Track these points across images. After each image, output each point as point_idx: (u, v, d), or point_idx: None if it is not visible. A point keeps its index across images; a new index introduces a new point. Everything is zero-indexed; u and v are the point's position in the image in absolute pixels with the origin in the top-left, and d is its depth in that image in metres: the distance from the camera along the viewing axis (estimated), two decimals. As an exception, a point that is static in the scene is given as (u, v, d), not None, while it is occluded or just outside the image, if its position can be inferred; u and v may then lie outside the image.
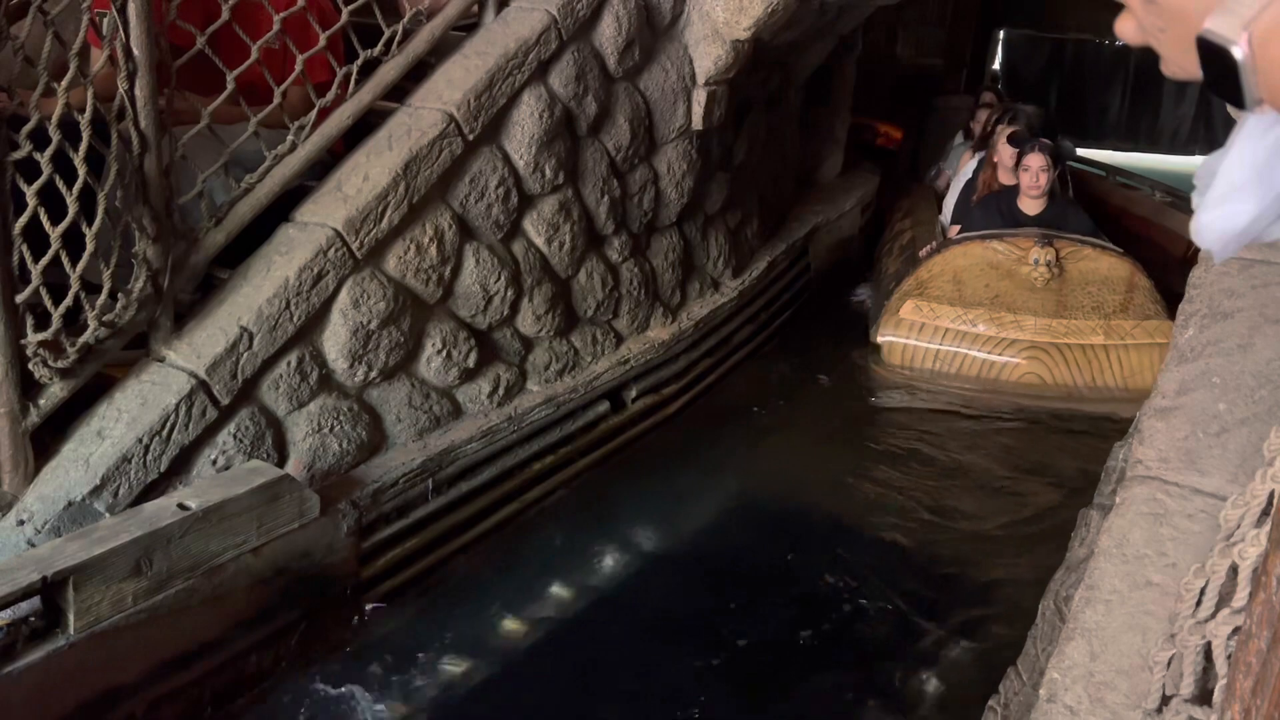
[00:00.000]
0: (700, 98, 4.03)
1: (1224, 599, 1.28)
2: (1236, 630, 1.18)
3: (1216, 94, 0.58)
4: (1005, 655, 2.31)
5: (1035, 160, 4.87)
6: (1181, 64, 0.60)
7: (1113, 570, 1.78)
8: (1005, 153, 5.19)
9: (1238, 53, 0.54)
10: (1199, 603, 1.34)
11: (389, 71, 3.04)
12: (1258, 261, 2.20)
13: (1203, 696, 1.30)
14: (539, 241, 3.49)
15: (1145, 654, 1.56)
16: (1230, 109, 0.66)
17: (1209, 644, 1.26)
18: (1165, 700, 1.37)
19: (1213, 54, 0.55)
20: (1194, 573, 1.37)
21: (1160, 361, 3.87)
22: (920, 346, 4.72)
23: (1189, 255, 5.28)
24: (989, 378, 4.61)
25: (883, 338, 4.81)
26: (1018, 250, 4.65)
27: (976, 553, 3.30)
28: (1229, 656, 1.19)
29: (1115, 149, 11.06)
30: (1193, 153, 11.33)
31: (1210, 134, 11.21)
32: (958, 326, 4.64)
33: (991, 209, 5.08)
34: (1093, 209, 5.66)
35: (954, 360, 4.66)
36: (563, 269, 3.61)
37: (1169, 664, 1.37)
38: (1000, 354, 4.59)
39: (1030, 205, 4.98)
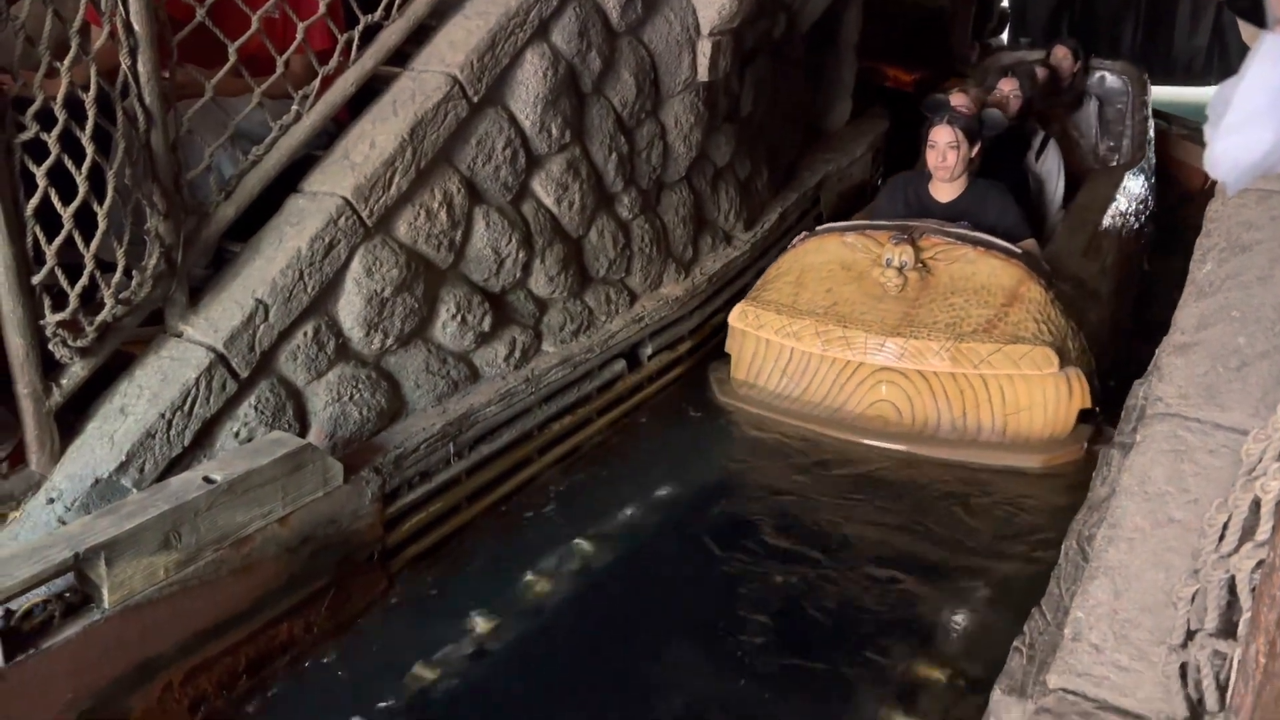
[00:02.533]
0: (705, 49, 3.98)
1: (1247, 533, 1.28)
2: (1260, 564, 1.19)
3: (1236, 12, 0.58)
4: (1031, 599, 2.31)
5: (941, 135, 3.94)
6: None
7: (1135, 508, 1.78)
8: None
9: None
10: (1222, 537, 1.34)
11: (390, 36, 3.01)
12: (1276, 193, 2.17)
13: (1227, 630, 1.30)
14: (548, 202, 3.47)
15: (1169, 590, 1.57)
16: (1244, 33, 0.65)
17: (1232, 578, 1.26)
18: (1190, 635, 1.38)
19: None
20: (1216, 508, 1.36)
21: (1054, 395, 3.41)
22: (760, 362, 3.87)
23: (1206, 188, 5.18)
24: (833, 405, 3.71)
25: (728, 347, 3.98)
26: (875, 248, 3.71)
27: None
28: (1253, 590, 1.19)
29: (1129, 83, 10.89)
30: (1208, 83, 11.14)
31: (1225, 64, 11.02)
32: (780, 339, 3.73)
33: (897, 194, 4.23)
34: None
35: (800, 379, 3.79)
36: (574, 228, 3.60)
37: (1193, 599, 1.38)
38: (846, 379, 3.68)
39: (940, 190, 4.07)
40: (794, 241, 4.04)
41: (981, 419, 3.52)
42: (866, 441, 3.57)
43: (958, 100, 4.38)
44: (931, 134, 3.98)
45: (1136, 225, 5.03)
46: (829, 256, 3.81)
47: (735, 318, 3.83)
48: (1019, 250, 3.68)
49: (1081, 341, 3.54)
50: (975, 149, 3.99)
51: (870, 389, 3.63)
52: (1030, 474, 3.40)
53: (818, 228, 4.11)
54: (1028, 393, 3.45)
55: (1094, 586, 1.69)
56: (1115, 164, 5.82)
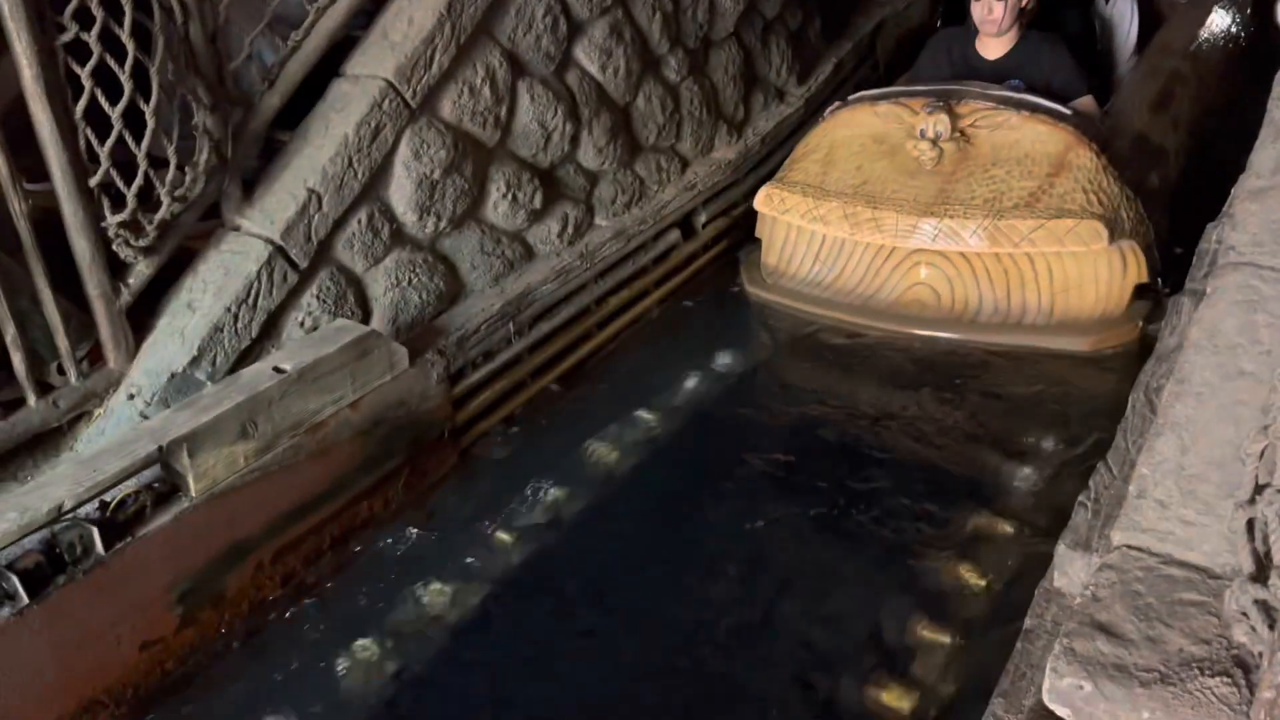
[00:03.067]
0: (749, -106, 3.78)
1: (1320, 387, 1.24)
2: (1333, 419, 1.16)
3: None
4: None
5: None
6: None
7: (1203, 362, 1.74)
8: None
9: None
10: (1294, 391, 1.31)
11: (421, -95, 2.91)
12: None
13: (1297, 485, 1.28)
14: (593, 69, 3.39)
15: (1237, 445, 1.54)
16: None
17: (1304, 433, 1.24)
18: (1258, 490, 1.37)
19: None
20: (1289, 362, 1.33)
21: (1106, 271, 3.10)
22: (791, 248, 3.59)
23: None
24: (868, 291, 3.45)
25: (758, 232, 3.71)
26: (909, 117, 3.37)
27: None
28: (1324, 445, 1.17)
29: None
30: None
31: None
32: (806, 224, 3.45)
33: (940, 53, 3.85)
34: None
35: (834, 264, 3.51)
36: (620, 96, 3.51)
37: (1261, 454, 1.36)
38: (882, 262, 3.41)
39: (988, 47, 3.68)
40: (826, 112, 3.74)
41: (1028, 299, 3.25)
42: (905, 329, 3.36)
43: None
44: None
45: (1222, 69, 4.58)
46: (860, 129, 3.48)
47: (760, 202, 3.55)
48: (1069, 111, 3.34)
49: (1139, 209, 3.21)
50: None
51: (908, 272, 3.36)
52: (1080, 357, 3.18)
53: (850, 97, 3.75)
54: (1077, 269, 3.17)
55: (1160, 442, 1.67)
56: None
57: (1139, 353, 2.83)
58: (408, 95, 2.79)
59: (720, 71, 4.01)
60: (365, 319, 2.80)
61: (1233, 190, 2.20)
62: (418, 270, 2.92)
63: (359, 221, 2.77)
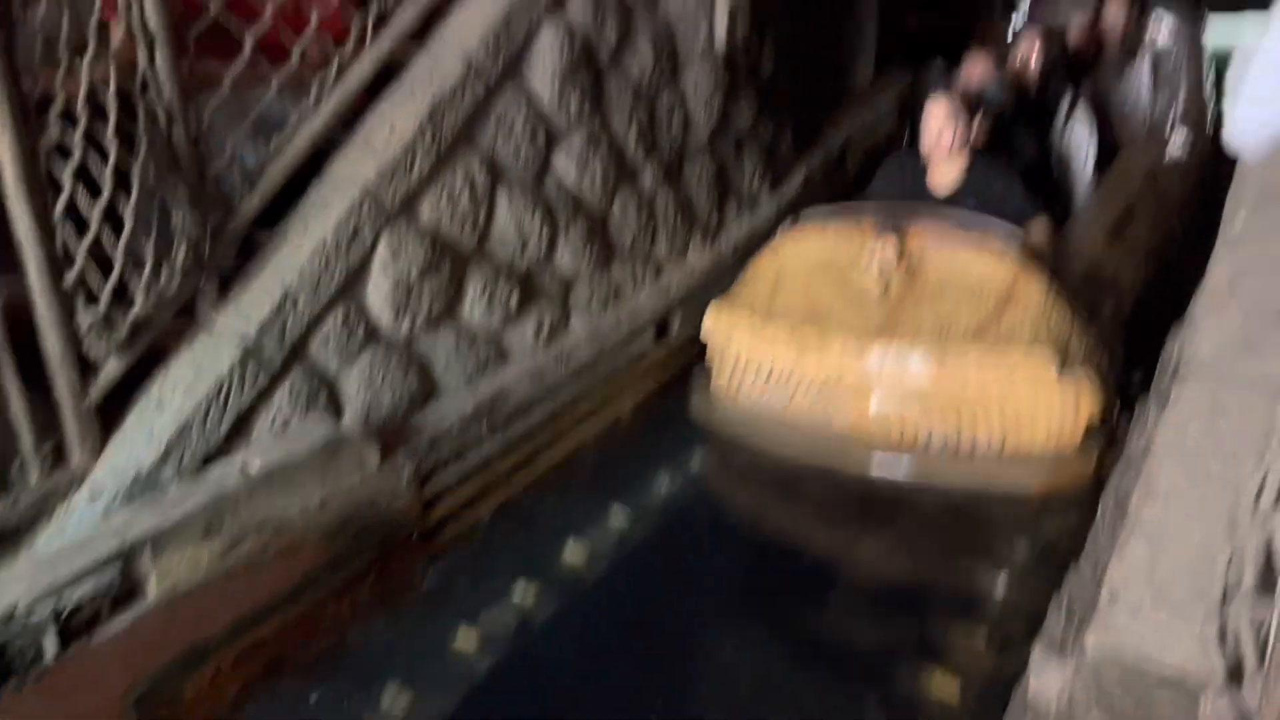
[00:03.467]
0: (722, 14, 3.94)
1: (1284, 490, 1.26)
2: (1297, 521, 1.17)
3: None
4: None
5: (935, 110, 3.48)
6: None
7: (1171, 465, 1.76)
8: None
9: None
10: (1259, 495, 1.32)
11: (405, 17, 3.00)
12: (1309, 138, 2.12)
13: (1266, 588, 1.29)
14: (570, 177, 3.47)
15: (1207, 548, 1.55)
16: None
17: (1270, 537, 1.25)
18: (1228, 594, 1.37)
19: None
20: (1253, 465, 1.35)
21: (1058, 404, 2.95)
22: (742, 370, 3.40)
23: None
24: (819, 419, 3.25)
25: (710, 352, 3.54)
26: (858, 241, 3.27)
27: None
28: (1290, 548, 1.18)
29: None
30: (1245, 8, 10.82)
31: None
32: (753, 346, 3.32)
33: (893, 176, 3.76)
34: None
35: (784, 388, 3.31)
36: (596, 202, 3.59)
37: (1231, 558, 1.36)
38: (832, 388, 3.21)
39: (939, 171, 3.58)
40: (780, 231, 3.63)
41: (978, 432, 3.09)
42: (854, 461, 3.17)
43: (974, 66, 4.00)
44: (925, 108, 3.53)
45: (1181, 196, 4.57)
46: (810, 251, 3.39)
47: (708, 322, 3.44)
48: (1019, 236, 3.25)
49: (1091, 340, 3.12)
50: (976, 123, 3.53)
51: (857, 401, 3.18)
52: (1031, 498, 3.04)
53: (802, 213, 3.68)
54: (1029, 402, 3.02)
55: (1131, 545, 1.67)
56: (1169, 125, 5.09)
57: (1094, 492, 2.69)
58: (387, 199, 2.84)
59: (694, 181, 4.11)
60: (337, 418, 2.79)
61: (1193, 299, 2.26)
62: (392, 370, 2.92)
63: (334, 320, 2.78)
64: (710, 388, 3.51)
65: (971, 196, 3.51)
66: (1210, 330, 1.92)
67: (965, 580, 2.81)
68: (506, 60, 3.14)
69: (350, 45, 2.87)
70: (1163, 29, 5.22)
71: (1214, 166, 4.92)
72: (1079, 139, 4.21)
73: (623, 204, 3.71)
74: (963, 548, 2.92)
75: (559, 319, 3.45)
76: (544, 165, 3.37)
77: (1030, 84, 4.24)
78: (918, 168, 3.64)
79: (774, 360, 3.29)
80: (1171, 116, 5.11)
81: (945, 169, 3.56)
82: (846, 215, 3.43)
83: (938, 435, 3.12)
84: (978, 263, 3.14)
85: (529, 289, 3.36)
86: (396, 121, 2.91)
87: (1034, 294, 3.07)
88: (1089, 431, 3.06)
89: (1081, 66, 4.80)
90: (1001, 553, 2.90)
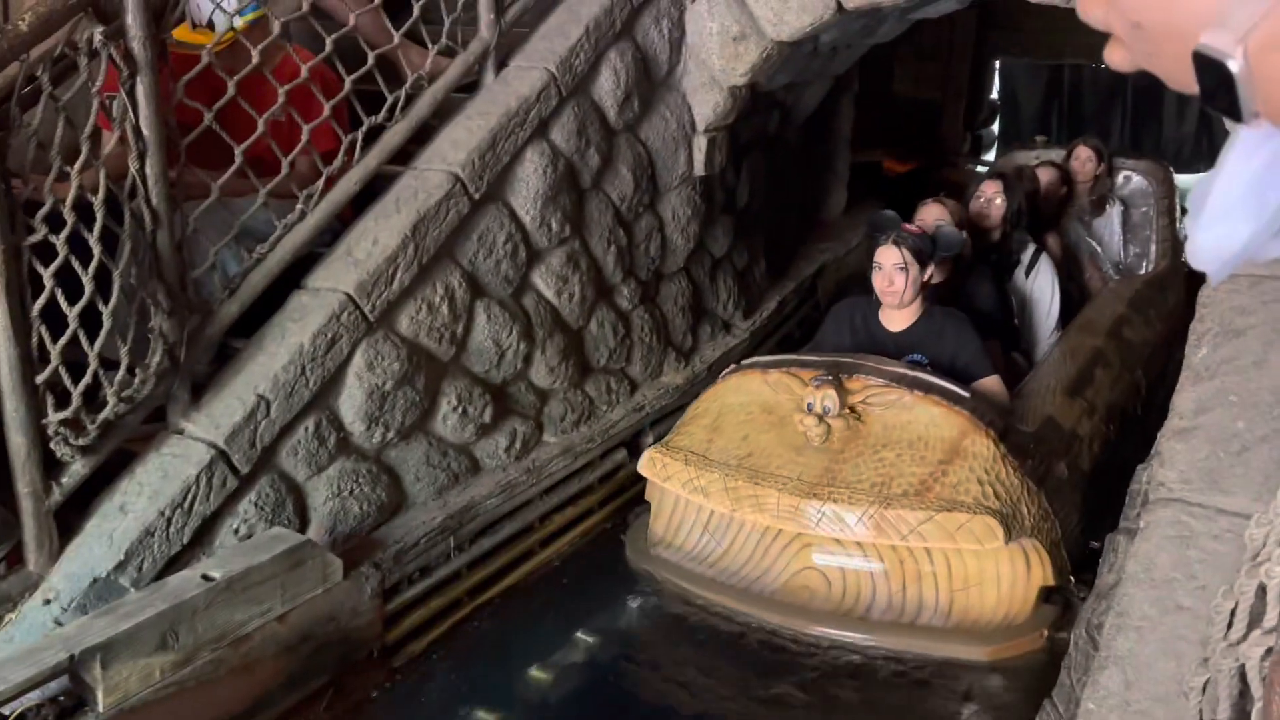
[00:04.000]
0: (701, 144, 4.08)
1: (1255, 620, 1.26)
2: (1269, 651, 1.17)
3: (1213, 109, 0.59)
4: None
5: (886, 257, 3.32)
6: (1179, 81, 0.61)
7: (1142, 596, 1.77)
8: None
9: (1234, 66, 0.55)
10: (1230, 625, 1.32)
11: (394, 136, 3.09)
12: (1266, 278, 2.20)
13: (1240, 719, 1.28)
14: (549, 294, 3.51)
15: (1180, 679, 1.54)
16: (1227, 123, 0.67)
17: (1243, 666, 1.25)
18: (1203, 726, 1.35)
19: (1209, 68, 0.56)
20: (1223, 594, 1.35)
21: (1008, 570, 2.82)
22: (680, 517, 3.25)
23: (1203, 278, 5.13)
24: (755, 573, 3.09)
25: (648, 495, 3.40)
26: (799, 388, 3.14)
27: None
28: (1263, 678, 1.18)
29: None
30: (1197, 169, 11.35)
31: (1213, 150, 11.21)
32: (687, 494, 3.14)
33: (843, 322, 3.61)
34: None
35: (722, 539, 3.16)
36: (574, 320, 3.63)
37: (1204, 689, 1.35)
38: (770, 541, 3.06)
39: (891, 319, 3.45)
40: (722, 375, 3.52)
41: (924, 595, 2.91)
42: (792, 620, 2.98)
43: (929, 212, 3.85)
44: (876, 255, 3.36)
45: (1148, 349, 4.39)
46: (750, 397, 3.25)
47: (644, 466, 3.27)
48: (968, 393, 3.10)
49: (1043, 504, 2.97)
50: (929, 271, 3.38)
51: (798, 554, 3.01)
52: (979, 667, 2.83)
53: (744, 361, 3.58)
54: (977, 566, 2.87)
55: (1104, 676, 1.66)
56: (1141, 274, 5.02)
57: (1047, 663, 2.61)
58: (366, 309, 2.86)
59: (670, 302, 4.18)
60: (303, 528, 2.74)
61: (1160, 431, 2.30)
62: (361, 480, 2.89)
63: (306, 429, 2.76)
64: (647, 530, 3.36)
65: (925, 346, 3.41)
66: (1177, 460, 1.95)
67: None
68: (491, 180, 3.22)
69: (339, 160, 2.94)
70: (1131, 183, 5.25)
71: (1188, 314, 4.67)
72: (1041, 288, 4.11)
73: (599, 321, 3.75)
74: (909, 717, 2.75)
75: (532, 433, 3.45)
76: (524, 281, 3.42)
77: (991, 229, 4.15)
78: (871, 313, 3.53)
79: (711, 508, 3.14)
80: (1144, 266, 5.07)
81: (900, 315, 3.44)
82: (789, 363, 3.32)
83: (881, 596, 2.95)
84: (924, 415, 3.01)
85: (503, 402, 3.36)
86: (380, 234, 2.96)
87: (981, 451, 2.93)
88: (1042, 599, 2.92)
89: (1049, 213, 4.72)
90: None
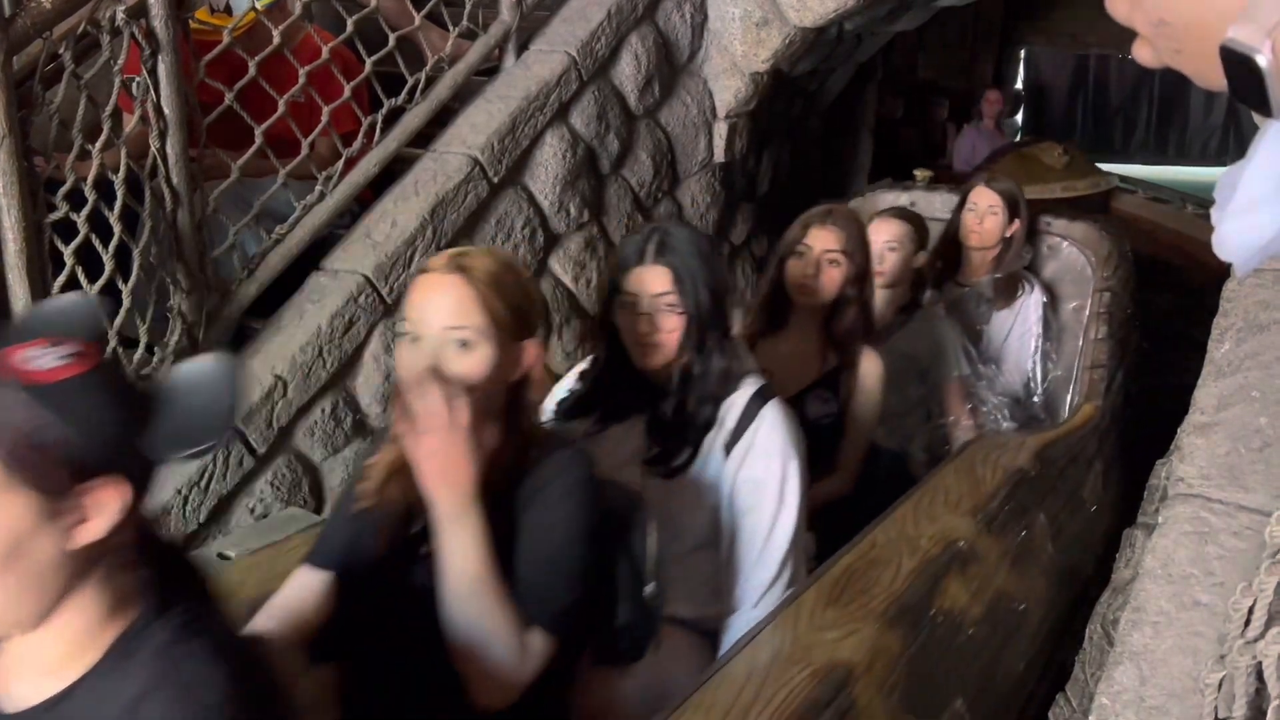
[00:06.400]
0: (721, 130, 4.06)
1: (1273, 617, 1.25)
2: (1287, 650, 1.16)
3: (1242, 103, 0.58)
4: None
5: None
6: (1206, 78, 0.60)
7: (1159, 591, 1.75)
8: None
9: (1262, 60, 0.54)
10: (1248, 622, 1.31)
11: (413, 119, 3.09)
12: (1292, 271, 2.17)
13: (1256, 718, 1.26)
14: (566, 279, 3.51)
15: (1196, 676, 1.53)
16: (1256, 117, 0.66)
17: (1260, 664, 1.23)
18: (1218, 723, 1.34)
19: (1237, 63, 0.55)
20: (1241, 591, 1.34)
21: None
22: None
23: (1226, 267, 5.10)
24: None
25: None
26: None
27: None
28: (1281, 677, 1.16)
29: (1145, 163, 10.97)
30: (1224, 163, 11.22)
31: (1241, 143, 11.11)
32: None
33: None
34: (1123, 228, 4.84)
35: None
36: (591, 304, 3.62)
37: (1220, 686, 1.34)
38: None
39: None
40: None
41: None
42: None
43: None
44: None
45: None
46: None
47: None
48: None
49: None
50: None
51: None
52: None
53: None
54: None
55: (1119, 672, 1.64)
56: (1066, 407, 3.08)
57: None
58: (384, 291, 2.86)
59: (688, 289, 4.16)
60: (318, 508, 2.75)
61: (1180, 427, 2.27)
62: (377, 463, 2.90)
63: (322, 410, 2.77)
64: None
65: None
66: (1197, 456, 1.93)
67: None
68: (510, 164, 3.21)
69: (359, 142, 2.94)
70: (1059, 257, 3.46)
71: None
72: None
73: (617, 308, 3.74)
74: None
75: (548, 419, 3.45)
76: (541, 266, 3.41)
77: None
78: None
79: None
80: (1070, 395, 3.09)
81: None
82: None
83: None
84: None
85: (519, 388, 3.36)
86: (399, 217, 2.96)
87: None
88: None
89: (900, 301, 3.15)
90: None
